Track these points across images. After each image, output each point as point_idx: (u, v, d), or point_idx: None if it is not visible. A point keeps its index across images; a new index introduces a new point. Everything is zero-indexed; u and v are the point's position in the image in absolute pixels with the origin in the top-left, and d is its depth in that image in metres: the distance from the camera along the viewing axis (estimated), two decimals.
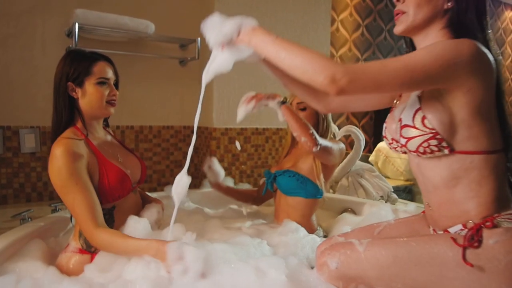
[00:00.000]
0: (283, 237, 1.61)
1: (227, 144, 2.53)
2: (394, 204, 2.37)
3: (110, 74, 1.35)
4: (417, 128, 1.00)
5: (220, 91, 2.48)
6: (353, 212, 2.19)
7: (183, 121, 2.61)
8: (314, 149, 1.57)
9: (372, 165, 2.98)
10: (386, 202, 2.37)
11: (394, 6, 1.10)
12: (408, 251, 1.00)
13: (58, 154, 1.22)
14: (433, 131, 0.98)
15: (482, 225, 0.96)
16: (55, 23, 2.15)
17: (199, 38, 2.39)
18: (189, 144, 2.62)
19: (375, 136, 3.62)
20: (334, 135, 1.90)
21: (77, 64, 1.30)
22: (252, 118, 2.61)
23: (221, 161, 2.52)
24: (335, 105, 1.33)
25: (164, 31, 2.40)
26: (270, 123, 2.68)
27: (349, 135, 2.58)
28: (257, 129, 2.64)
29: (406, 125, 1.02)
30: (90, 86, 1.30)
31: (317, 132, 1.78)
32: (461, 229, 1.01)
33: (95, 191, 1.27)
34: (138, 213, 1.46)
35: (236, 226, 1.86)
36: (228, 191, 1.96)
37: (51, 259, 1.34)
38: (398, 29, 1.08)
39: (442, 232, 1.08)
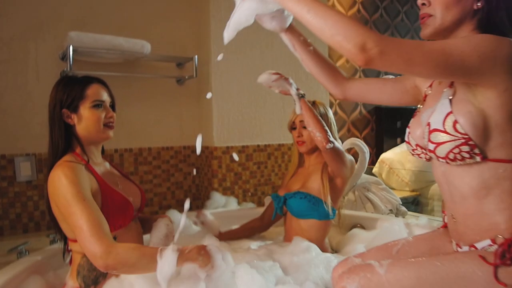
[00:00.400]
0: (294, 257, 1.54)
1: (229, 163, 2.47)
2: (404, 217, 2.30)
3: (105, 96, 1.32)
4: (448, 133, 0.93)
5: (220, 109, 2.43)
6: (363, 227, 2.12)
7: (183, 141, 2.54)
8: (327, 146, 1.54)
9: (376, 177, 2.92)
10: (395, 215, 2.30)
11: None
12: (432, 271, 0.93)
13: (60, 174, 1.17)
14: (466, 136, 0.91)
15: None
16: (49, 47, 2.10)
17: (196, 56, 2.34)
18: (190, 165, 2.56)
19: (377, 147, 3.57)
20: None
21: (70, 89, 1.27)
22: (253, 134, 2.55)
23: (223, 180, 2.46)
24: (352, 93, 1.28)
25: (160, 50, 2.36)
26: (272, 139, 2.62)
27: (352, 148, 2.53)
28: (258, 145, 2.58)
29: (435, 130, 0.96)
30: (85, 110, 1.27)
31: None
32: (490, 245, 0.95)
33: None
34: (140, 243, 1.39)
35: (244, 247, 1.79)
36: (231, 235, 1.88)
37: None
38: (425, 32, 1.02)
39: (467, 247, 1.01)
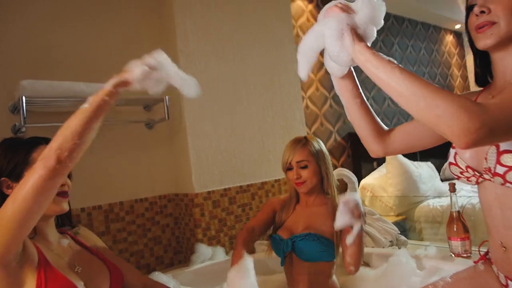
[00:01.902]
0: None
1: (211, 209, 2.24)
2: (405, 247, 2.18)
3: None
4: None
5: (197, 150, 2.22)
6: (367, 264, 1.97)
7: (156, 190, 2.29)
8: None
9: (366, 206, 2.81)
10: (397, 246, 2.17)
11: None
12: None
13: None
14: None
15: None
16: None
17: (167, 97, 2.13)
18: (167, 215, 2.30)
19: (356, 174, 3.46)
20: (337, 186, 1.75)
21: (13, 154, 1.09)
22: (234, 175, 2.36)
23: (207, 229, 2.23)
24: (395, 146, 1.14)
25: (125, 93, 2.13)
26: (254, 178, 2.44)
27: (340, 179, 2.40)
28: (241, 186, 2.38)
29: (507, 151, 0.85)
30: None
31: (322, 189, 1.68)
32: None
33: None
34: None
35: None
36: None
37: None
38: (487, 42, 0.90)
39: None
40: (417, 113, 0.76)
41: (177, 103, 2.23)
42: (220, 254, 2.16)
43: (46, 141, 1.12)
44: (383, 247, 2.11)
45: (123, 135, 2.19)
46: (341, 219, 1.31)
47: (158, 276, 1.76)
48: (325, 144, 3.24)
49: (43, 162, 0.90)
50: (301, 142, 1.63)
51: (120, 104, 2.14)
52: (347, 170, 2.38)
